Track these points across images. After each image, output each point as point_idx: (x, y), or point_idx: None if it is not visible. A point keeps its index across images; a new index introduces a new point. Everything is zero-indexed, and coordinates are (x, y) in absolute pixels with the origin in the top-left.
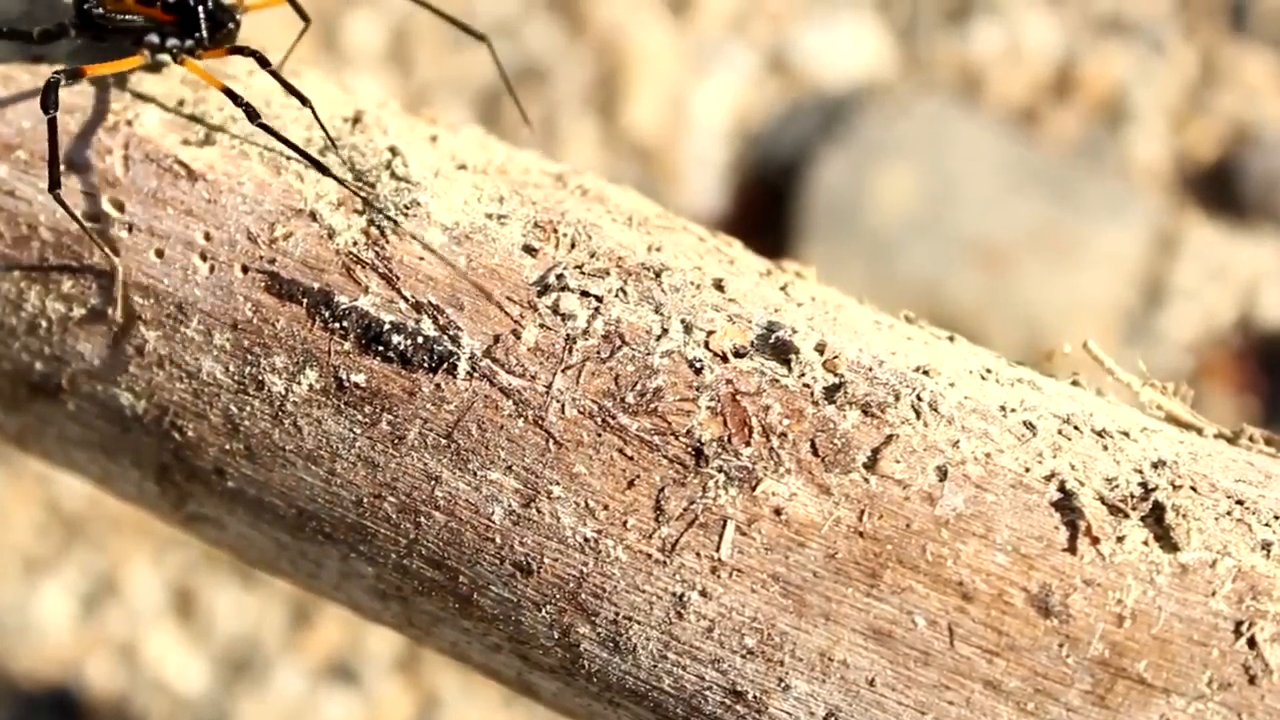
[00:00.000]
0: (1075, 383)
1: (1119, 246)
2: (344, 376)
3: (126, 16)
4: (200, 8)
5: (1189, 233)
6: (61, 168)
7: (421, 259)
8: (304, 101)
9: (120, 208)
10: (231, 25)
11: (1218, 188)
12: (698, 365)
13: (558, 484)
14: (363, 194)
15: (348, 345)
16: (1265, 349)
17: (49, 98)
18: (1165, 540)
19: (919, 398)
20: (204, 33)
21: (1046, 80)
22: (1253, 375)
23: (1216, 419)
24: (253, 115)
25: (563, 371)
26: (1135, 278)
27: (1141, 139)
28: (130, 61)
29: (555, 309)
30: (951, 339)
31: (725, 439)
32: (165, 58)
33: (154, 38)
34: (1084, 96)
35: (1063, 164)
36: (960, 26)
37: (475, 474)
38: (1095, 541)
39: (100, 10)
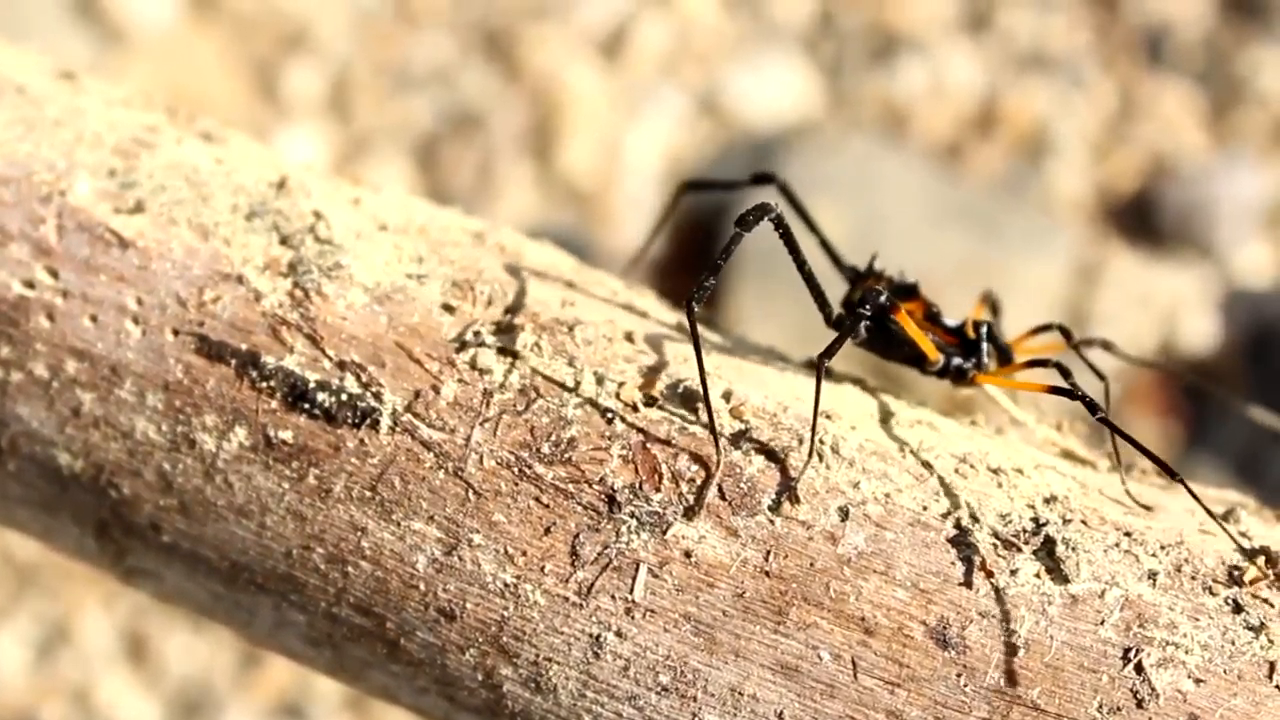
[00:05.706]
0: (973, 423)
1: (1043, 278)
2: (272, 434)
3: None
4: (982, 337)
5: (1111, 262)
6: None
7: (344, 319)
8: (1165, 469)
9: (55, 275)
10: (1009, 352)
11: (1137, 218)
12: (610, 415)
13: (478, 532)
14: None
15: (275, 403)
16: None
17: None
18: (1056, 572)
19: (821, 441)
20: (984, 358)
21: (970, 116)
22: (1175, 399)
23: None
24: (1094, 409)
25: (481, 424)
26: (1059, 307)
27: (1063, 172)
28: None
29: (473, 364)
30: (856, 383)
31: (637, 486)
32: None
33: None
34: (1006, 131)
35: (987, 198)
36: (885, 65)
37: (399, 524)
38: (990, 575)
39: (897, 323)
